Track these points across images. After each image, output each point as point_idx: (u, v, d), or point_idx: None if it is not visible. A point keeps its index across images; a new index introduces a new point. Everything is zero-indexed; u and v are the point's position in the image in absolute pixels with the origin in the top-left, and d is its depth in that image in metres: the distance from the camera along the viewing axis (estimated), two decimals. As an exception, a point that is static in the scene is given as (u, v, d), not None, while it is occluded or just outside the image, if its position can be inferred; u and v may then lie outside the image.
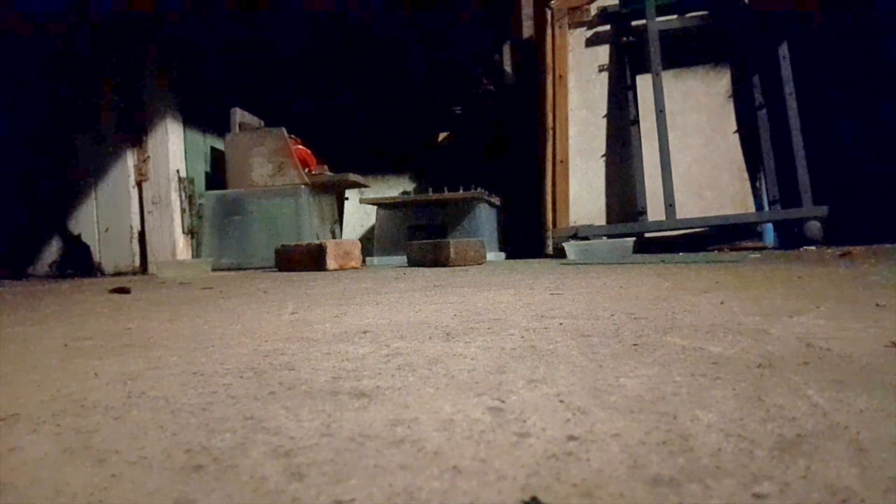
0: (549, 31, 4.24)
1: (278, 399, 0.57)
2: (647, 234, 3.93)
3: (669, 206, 3.76)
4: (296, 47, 5.26)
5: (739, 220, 3.74)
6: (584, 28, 4.26)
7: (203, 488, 0.37)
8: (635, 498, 0.33)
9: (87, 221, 4.21)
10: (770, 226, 3.97)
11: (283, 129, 4.19)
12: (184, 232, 4.18)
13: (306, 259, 3.31)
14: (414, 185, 5.13)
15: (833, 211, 3.55)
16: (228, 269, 3.99)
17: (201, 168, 4.44)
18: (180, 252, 4.13)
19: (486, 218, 4.14)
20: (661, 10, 4.02)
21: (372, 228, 4.70)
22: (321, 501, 0.34)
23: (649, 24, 3.96)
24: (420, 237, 4.04)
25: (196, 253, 4.24)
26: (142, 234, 4.16)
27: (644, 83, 4.05)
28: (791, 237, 3.77)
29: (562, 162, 4.13)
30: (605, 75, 4.21)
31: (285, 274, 3.12)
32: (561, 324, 0.96)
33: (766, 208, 3.87)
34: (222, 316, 1.28)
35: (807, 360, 0.64)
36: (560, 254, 3.70)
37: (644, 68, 4.05)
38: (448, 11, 5.14)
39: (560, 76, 4.19)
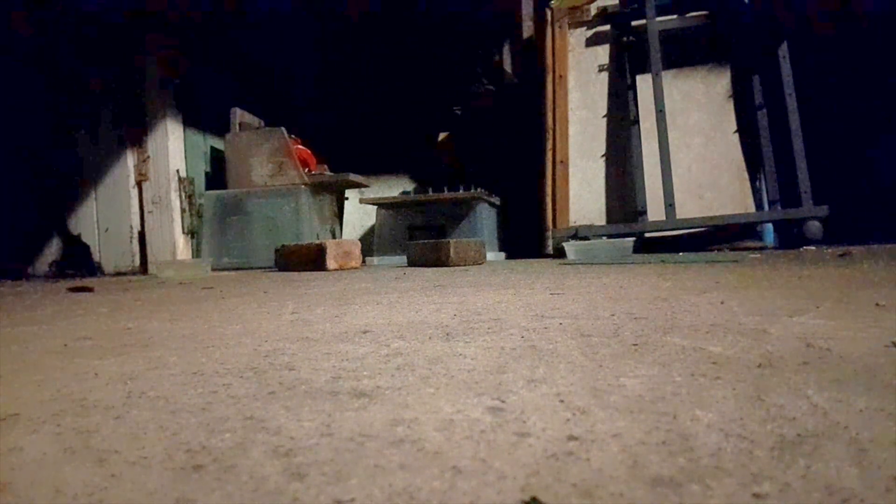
0: (549, 31, 4.24)
1: (278, 399, 0.57)
2: (647, 234, 3.92)
3: (669, 206, 3.76)
4: (296, 47, 5.26)
5: (739, 220, 3.74)
6: (584, 28, 4.26)
7: (203, 488, 0.37)
8: (635, 498, 0.33)
9: (87, 221, 4.21)
10: (770, 226, 3.97)
11: (283, 129, 4.19)
12: (184, 232, 4.18)
13: (306, 259, 3.31)
14: (414, 185, 5.14)
15: (833, 211, 3.55)
16: (228, 269, 3.99)
17: (201, 168, 4.44)
18: (180, 252, 4.13)
19: (486, 218, 4.13)
20: (661, 10, 4.02)
21: (372, 228, 4.70)
22: (321, 501, 0.34)
23: (649, 24, 3.96)
24: (420, 237, 4.04)
25: (196, 253, 4.24)
26: (142, 234, 4.16)
27: (644, 83, 4.05)
28: (791, 237, 3.77)
29: (562, 162, 4.13)
30: (605, 75, 4.21)
31: (285, 274, 3.12)
32: (561, 324, 0.96)
33: (766, 208, 3.87)
34: (222, 316, 1.28)
35: (807, 360, 0.64)
36: (560, 254, 3.70)
37: (644, 68, 4.05)
38: (448, 11, 5.14)
39: (560, 76, 4.19)
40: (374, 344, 0.85)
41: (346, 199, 4.92)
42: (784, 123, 3.77)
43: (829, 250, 3.07)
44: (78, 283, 2.82)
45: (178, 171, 4.15)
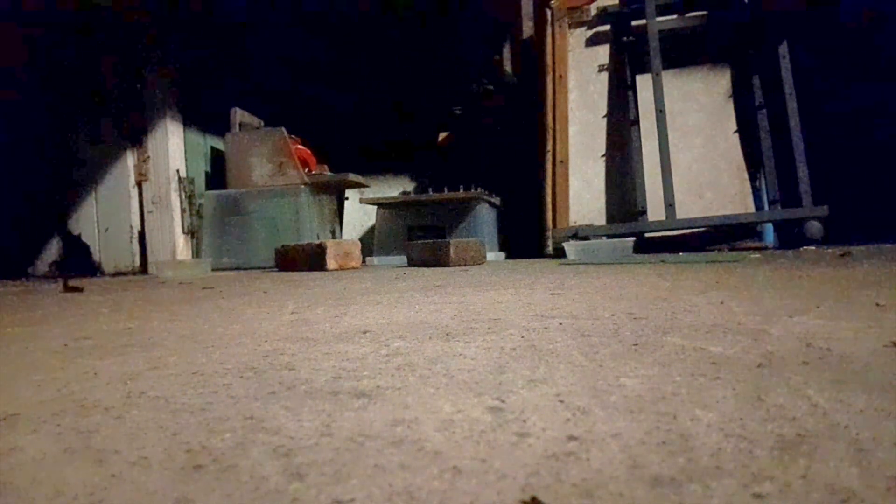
0: (549, 31, 4.24)
1: (278, 399, 0.57)
2: (647, 234, 3.92)
3: (669, 206, 3.76)
4: (296, 47, 5.26)
5: (739, 220, 3.73)
6: (584, 28, 4.26)
7: (203, 488, 0.37)
8: (635, 498, 0.33)
9: (88, 221, 4.21)
10: (770, 226, 3.97)
11: (283, 129, 4.19)
12: (184, 232, 4.18)
13: (306, 259, 3.31)
14: (414, 185, 5.13)
15: (833, 211, 3.54)
16: (228, 269, 3.99)
17: (201, 168, 4.44)
18: (180, 252, 4.13)
19: (486, 218, 4.13)
20: (661, 10, 4.02)
21: (372, 228, 4.70)
22: (321, 501, 0.34)
23: (649, 24, 3.96)
24: (420, 237, 4.04)
25: (196, 253, 4.24)
26: (142, 234, 4.16)
27: (644, 83, 4.05)
28: (791, 237, 3.77)
29: (562, 162, 4.13)
30: (605, 75, 4.21)
31: (285, 274, 3.12)
32: (561, 324, 0.96)
33: (766, 208, 3.87)
34: (222, 316, 1.28)
35: (807, 360, 0.64)
36: (560, 254, 3.70)
37: (644, 68, 4.05)
38: (448, 12, 5.14)
39: (560, 76, 4.19)
40: (374, 344, 0.85)
41: (346, 199, 4.92)
42: (784, 123, 3.77)
43: (829, 250, 3.07)
44: (73, 283, 2.82)
45: (178, 171, 4.15)
